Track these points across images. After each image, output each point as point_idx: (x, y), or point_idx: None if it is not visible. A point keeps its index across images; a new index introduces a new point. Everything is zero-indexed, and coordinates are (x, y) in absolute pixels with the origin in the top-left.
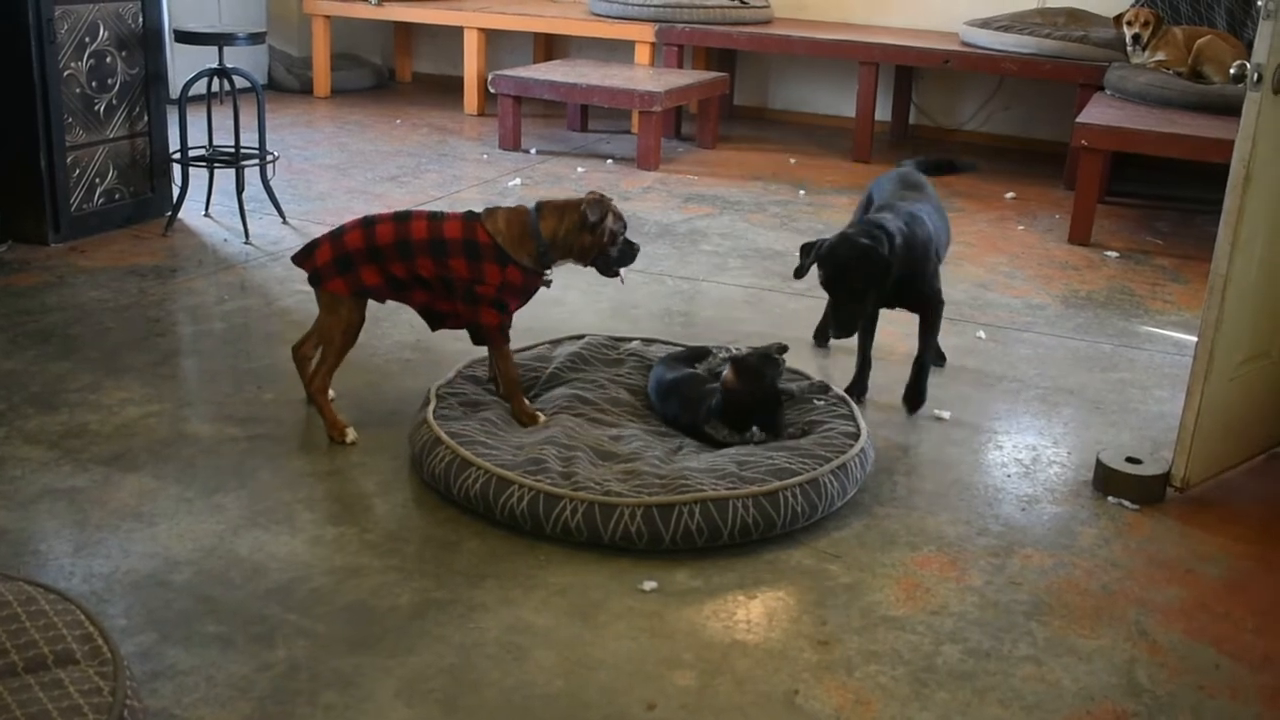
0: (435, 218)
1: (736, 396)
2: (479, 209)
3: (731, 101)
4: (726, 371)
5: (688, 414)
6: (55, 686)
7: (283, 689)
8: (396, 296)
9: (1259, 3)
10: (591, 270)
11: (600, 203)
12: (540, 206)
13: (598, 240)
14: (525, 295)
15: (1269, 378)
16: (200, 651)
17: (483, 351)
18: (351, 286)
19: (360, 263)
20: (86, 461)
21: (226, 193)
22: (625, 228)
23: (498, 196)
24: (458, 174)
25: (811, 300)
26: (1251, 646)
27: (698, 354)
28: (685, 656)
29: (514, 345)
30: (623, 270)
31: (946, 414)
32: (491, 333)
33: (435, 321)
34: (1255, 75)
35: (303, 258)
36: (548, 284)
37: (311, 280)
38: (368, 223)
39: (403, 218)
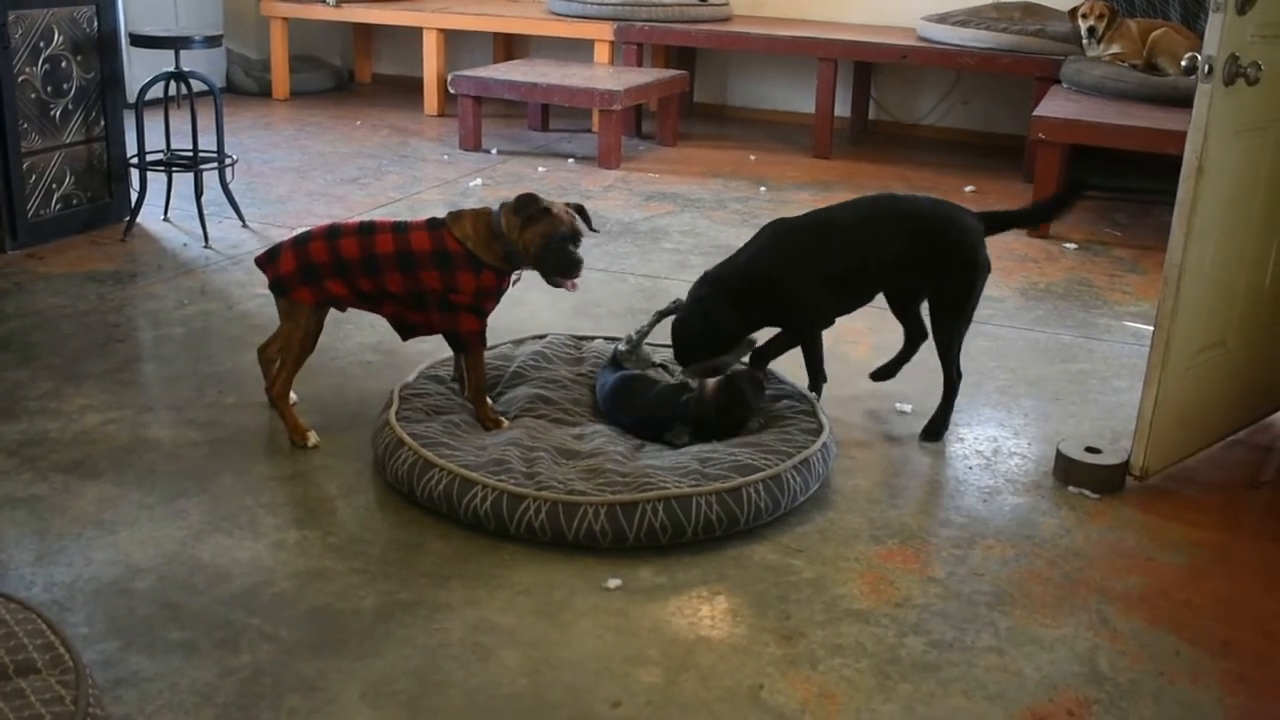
0: (400, 229)
1: (711, 414)
2: (442, 212)
3: (691, 99)
4: (710, 386)
5: (637, 418)
6: (17, 696)
7: (247, 694)
8: (364, 307)
9: None
10: None
11: (529, 197)
12: (503, 206)
13: (536, 236)
14: (499, 297)
15: (1225, 366)
16: (163, 658)
17: (445, 352)
18: (318, 296)
19: (326, 274)
20: (46, 469)
21: (185, 197)
22: (574, 232)
23: (459, 197)
24: (418, 175)
25: None
26: (1211, 633)
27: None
28: (650, 653)
29: None
30: (573, 280)
31: (908, 407)
32: (471, 339)
33: (406, 331)
34: (1206, 67)
35: (266, 261)
36: (515, 280)
37: (275, 288)
38: (332, 234)
39: (367, 230)
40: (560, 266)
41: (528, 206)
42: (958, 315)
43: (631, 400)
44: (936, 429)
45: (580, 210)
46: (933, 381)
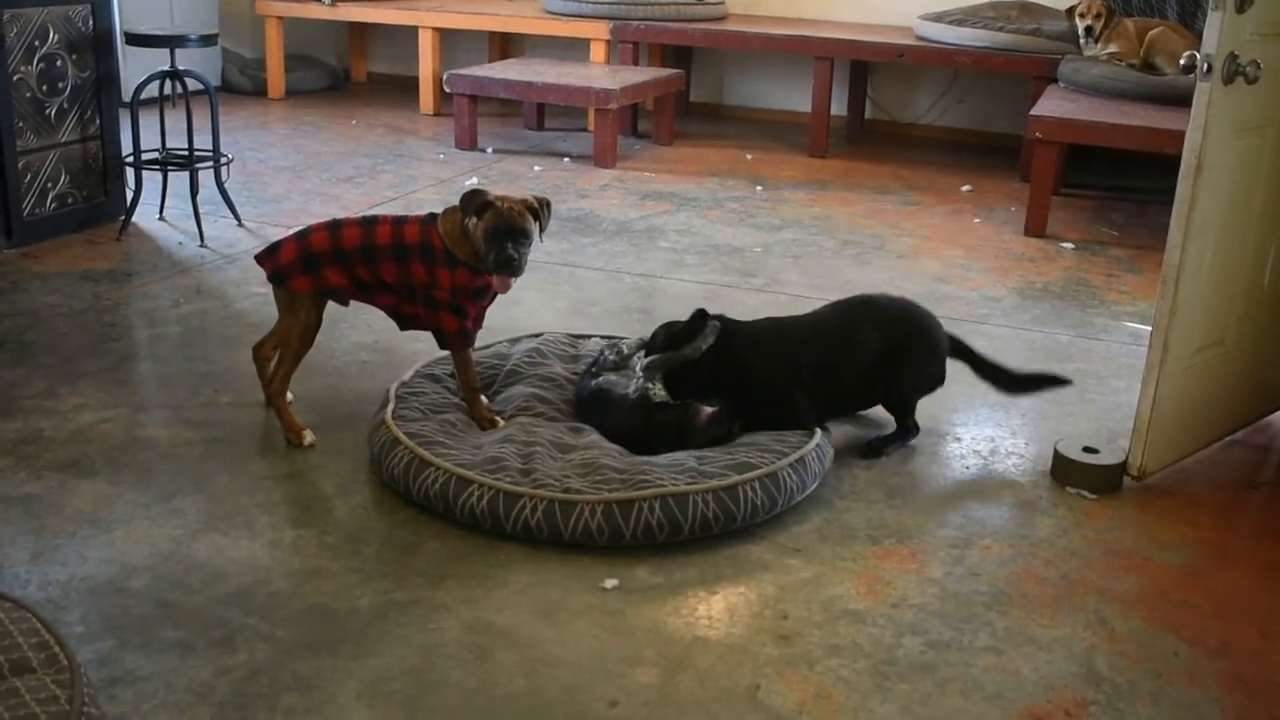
0: (399, 222)
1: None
2: (438, 210)
3: (687, 98)
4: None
5: (608, 432)
6: (12, 695)
7: (243, 693)
8: (362, 298)
9: None
10: (547, 269)
11: (472, 193)
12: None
13: (479, 234)
14: (479, 297)
15: (1223, 366)
16: (159, 657)
17: (442, 350)
18: (316, 285)
19: (326, 263)
20: (42, 468)
21: (181, 196)
22: (507, 230)
23: (454, 196)
24: (414, 174)
25: (769, 295)
26: (1209, 633)
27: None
28: (647, 653)
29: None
30: (512, 280)
31: None
32: (452, 338)
33: (403, 322)
34: (1205, 66)
35: (266, 255)
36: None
37: (274, 278)
38: (334, 225)
39: (369, 222)
40: (496, 262)
41: (471, 202)
42: (917, 390)
43: (599, 413)
44: (878, 449)
45: (542, 206)
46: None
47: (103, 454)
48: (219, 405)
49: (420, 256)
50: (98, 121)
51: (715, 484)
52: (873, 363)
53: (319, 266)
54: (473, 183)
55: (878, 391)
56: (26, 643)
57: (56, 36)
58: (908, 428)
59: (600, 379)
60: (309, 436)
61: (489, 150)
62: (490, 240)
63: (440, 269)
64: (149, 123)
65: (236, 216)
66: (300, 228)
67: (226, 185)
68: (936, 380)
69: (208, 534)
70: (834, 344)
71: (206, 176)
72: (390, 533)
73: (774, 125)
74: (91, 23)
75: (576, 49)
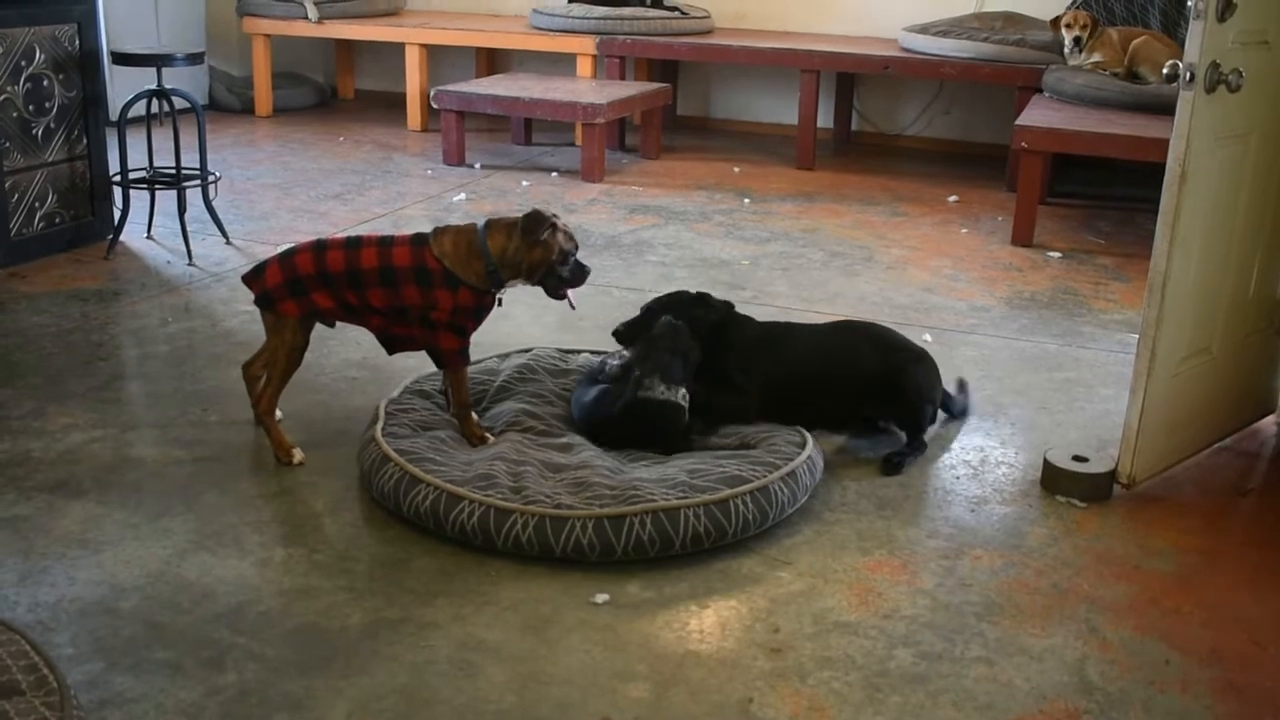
0: (385, 243)
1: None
2: (426, 227)
3: (674, 112)
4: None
5: (615, 432)
6: (1, 719)
7: (233, 714)
8: (351, 320)
9: (1190, 3)
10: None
11: (537, 215)
12: (489, 224)
13: (545, 256)
14: (479, 316)
15: (1210, 373)
16: (149, 678)
17: (430, 367)
18: (304, 309)
19: (312, 287)
20: (30, 489)
21: (168, 214)
22: (577, 248)
23: (443, 212)
24: (402, 190)
25: (758, 308)
26: (1201, 640)
27: (597, 372)
28: (639, 668)
29: None
30: (570, 294)
31: None
32: (452, 357)
33: (392, 345)
34: (1188, 75)
35: (252, 278)
36: (499, 302)
37: (260, 301)
38: (319, 247)
39: (353, 244)
40: (577, 279)
41: (538, 228)
42: (922, 401)
43: (601, 413)
44: (898, 465)
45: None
46: None
47: (91, 474)
48: (208, 424)
49: (415, 280)
50: (85, 141)
51: (706, 498)
52: (867, 381)
53: (306, 290)
54: (461, 199)
55: (890, 409)
56: (16, 665)
57: (43, 56)
58: (920, 443)
59: (607, 386)
60: (298, 454)
61: (477, 166)
62: (566, 260)
63: (440, 290)
64: (136, 142)
65: (224, 235)
66: (286, 246)
67: (214, 203)
68: (935, 403)
69: (197, 553)
70: (828, 357)
71: (194, 195)
72: (380, 550)
73: (761, 138)
74: (78, 42)
75: (563, 64)
